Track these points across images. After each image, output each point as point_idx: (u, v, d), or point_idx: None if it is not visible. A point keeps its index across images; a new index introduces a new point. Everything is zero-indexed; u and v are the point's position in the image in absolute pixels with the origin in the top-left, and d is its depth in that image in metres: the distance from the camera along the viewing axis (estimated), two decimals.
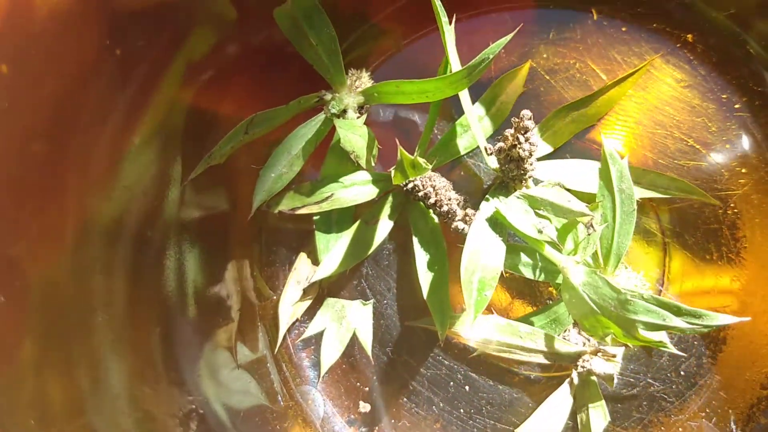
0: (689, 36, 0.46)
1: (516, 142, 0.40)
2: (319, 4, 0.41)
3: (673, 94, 0.46)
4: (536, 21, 0.47)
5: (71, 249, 0.36)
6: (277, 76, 0.46)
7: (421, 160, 0.39)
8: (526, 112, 0.39)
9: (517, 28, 0.39)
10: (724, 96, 0.46)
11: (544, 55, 0.47)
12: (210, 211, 0.45)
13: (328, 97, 0.43)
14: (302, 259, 0.46)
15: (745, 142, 0.46)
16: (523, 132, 0.39)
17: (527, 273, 0.43)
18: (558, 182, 0.43)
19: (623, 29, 0.47)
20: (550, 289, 0.46)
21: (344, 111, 0.43)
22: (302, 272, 0.46)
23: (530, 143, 0.40)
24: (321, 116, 0.43)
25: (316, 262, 0.45)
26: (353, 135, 0.41)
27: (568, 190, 0.43)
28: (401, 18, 0.47)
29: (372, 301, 0.46)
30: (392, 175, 0.41)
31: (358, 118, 0.43)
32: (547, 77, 0.47)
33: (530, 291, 0.46)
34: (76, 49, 0.35)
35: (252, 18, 0.44)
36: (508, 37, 0.38)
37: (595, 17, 0.47)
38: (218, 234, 0.46)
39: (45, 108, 0.34)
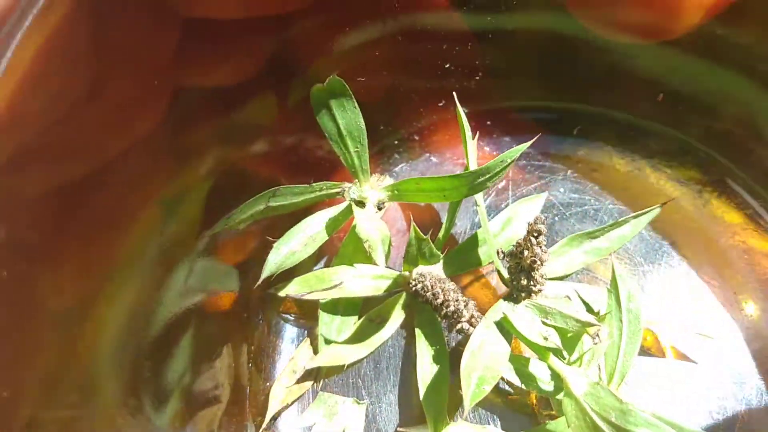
0: (708, 189, 0.49)
1: (528, 245, 0.40)
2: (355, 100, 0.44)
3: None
4: (556, 155, 0.50)
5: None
6: (303, 174, 0.48)
7: (433, 248, 0.40)
8: (540, 217, 0.40)
9: (536, 137, 0.41)
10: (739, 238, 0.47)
11: (561, 189, 0.49)
12: (212, 294, 0.45)
13: (347, 187, 0.44)
14: (302, 348, 0.45)
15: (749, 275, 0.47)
16: (535, 235, 0.40)
17: (530, 385, 0.42)
18: (567, 296, 0.43)
19: (639, 170, 0.49)
20: (551, 411, 0.44)
21: (363, 204, 0.45)
22: (300, 361, 0.45)
23: (542, 249, 0.41)
24: (342, 206, 0.45)
25: (316, 351, 0.45)
26: (370, 226, 0.43)
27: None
28: (430, 132, 0.51)
29: (366, 401, 0.45)
30: (403, 263, 0.42)
31: (376, 213, 0.45)
32: (563, 209, 0.49)
33: (530, 408, 0.44)
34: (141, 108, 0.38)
35: (289, 120, 0.47)
36: (527, 144, 0.40)
37: (613, 163, 0.50)
38: (218, 319, 0.46)
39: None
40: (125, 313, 0.39)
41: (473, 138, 0.44)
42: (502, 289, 0.47)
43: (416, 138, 0.51)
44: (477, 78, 0.48)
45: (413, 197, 0.44)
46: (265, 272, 0.42)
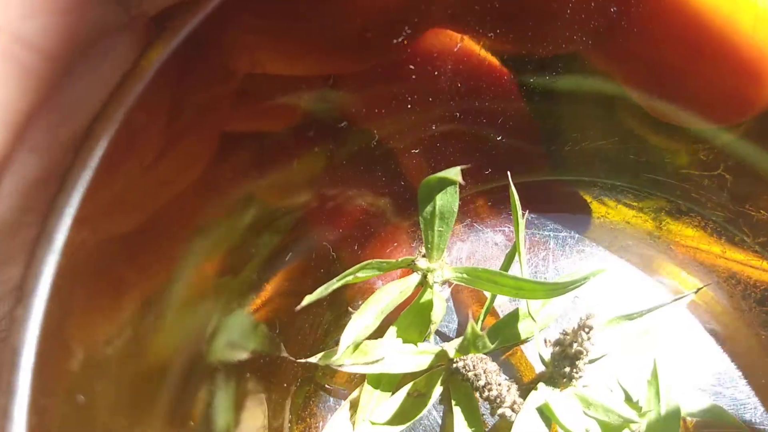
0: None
1: (578, 339, 0.41)
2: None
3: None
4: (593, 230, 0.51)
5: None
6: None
7: (487, 342, 0.40)
8: (593, 314, 0.40)
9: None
10: None
11: (598, 264, 0.50)
12: (256, 354, 0.45)
13: (422, 264, 0.44)
14: (339, 415, 0.45)
15: None
16: (586, 330, 0.41)
17: None
18: (610, 388, 0.44)
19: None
20: None
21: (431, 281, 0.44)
22: (335, 429, 0.45)
23: (591, 343, 0.41)
24: (412, 280, 0.44)
25: (352, 420, 0.45)
26: (438, 307, 0.43)
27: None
28: (473, 198, 0.51)
29: None
30: (450, 350, 0.42)
31: (440, 291, 0.44)
32: (600, 281, 0.49)
33: None
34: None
35: (332, 176, 0.46)
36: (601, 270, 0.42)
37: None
38: (259, 377, 0.46)
39: None
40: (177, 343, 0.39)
41: (523, 217, 0.44)
42: (538, 363, 0.47)
43: (459, 203, 0.51)
44: (526, 151, 0.48)
45: (483, 285, 0.44)
46: (344, 344, 0.41)
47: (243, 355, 0.44)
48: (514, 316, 0.47)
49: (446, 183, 0.41)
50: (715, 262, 0.49)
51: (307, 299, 0.40)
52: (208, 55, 0.37)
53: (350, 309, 0.43)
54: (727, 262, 0.49)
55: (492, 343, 0.46)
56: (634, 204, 0.51)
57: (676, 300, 0.47)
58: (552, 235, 0.50)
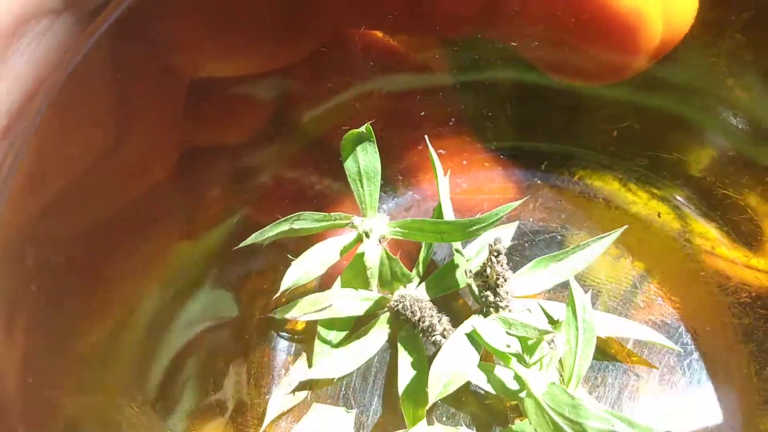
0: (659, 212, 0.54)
1: (491, 264, 0.46)
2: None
3: None
4: (525, 187, 0.56)
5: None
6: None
7: (403, 268, 0.46)
8: (499, 238, 0.46)
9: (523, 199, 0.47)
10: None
11: (530, 219, 0.55)
12: (217, 319, 0.52)
13: (358, 221, 0.50)
14: (298, 363, 0.51)
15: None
16: (495, 254, 0.46)
17: (496, 389, 0.47)
18: (528, 309, 0.48)
19: (602, 199, 0.55)
20: (521, 416, 0.49)
21: (368, 236, 0.50)
22: (295, 374, 0.50)
23: (503, 267, 0.46)
24: (350, 236, 0.50)
25: (310, 365, 0.50)
26: (373, 256, 0.49)
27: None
28: (412, 173, 0.57)
29: (355, 410, 0.50)
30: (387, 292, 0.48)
31: (378, 245, 0.50)
32: (531, 235, 0.54)
33: (499, 410, 0.49)
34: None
35: (289, 165, 0.54)
36: (518, 202, 0.48)
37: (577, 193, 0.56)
38: (223, 340, 0.52)
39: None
40: (141, 332, 0.45)
41: (445, 175, 0.51)
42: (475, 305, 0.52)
43: (400, 178, 0.57)
44: (450, 123, 0.54)
45: (413, 236, 0.49)
46: (284, 286, 0.47)
47: (208, 323, 0.51)
48: (450, 265, 0.52)
49: (365, 141, 0.48)
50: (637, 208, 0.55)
51: (244, 244, 0.47)
52: (145, 50, 0.43)
53: (289, 256, 0.49)
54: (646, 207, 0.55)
55: (431, 290, 0.52)
56: (555, 161, 0.57)
57: (598, 239, 0.52)
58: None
